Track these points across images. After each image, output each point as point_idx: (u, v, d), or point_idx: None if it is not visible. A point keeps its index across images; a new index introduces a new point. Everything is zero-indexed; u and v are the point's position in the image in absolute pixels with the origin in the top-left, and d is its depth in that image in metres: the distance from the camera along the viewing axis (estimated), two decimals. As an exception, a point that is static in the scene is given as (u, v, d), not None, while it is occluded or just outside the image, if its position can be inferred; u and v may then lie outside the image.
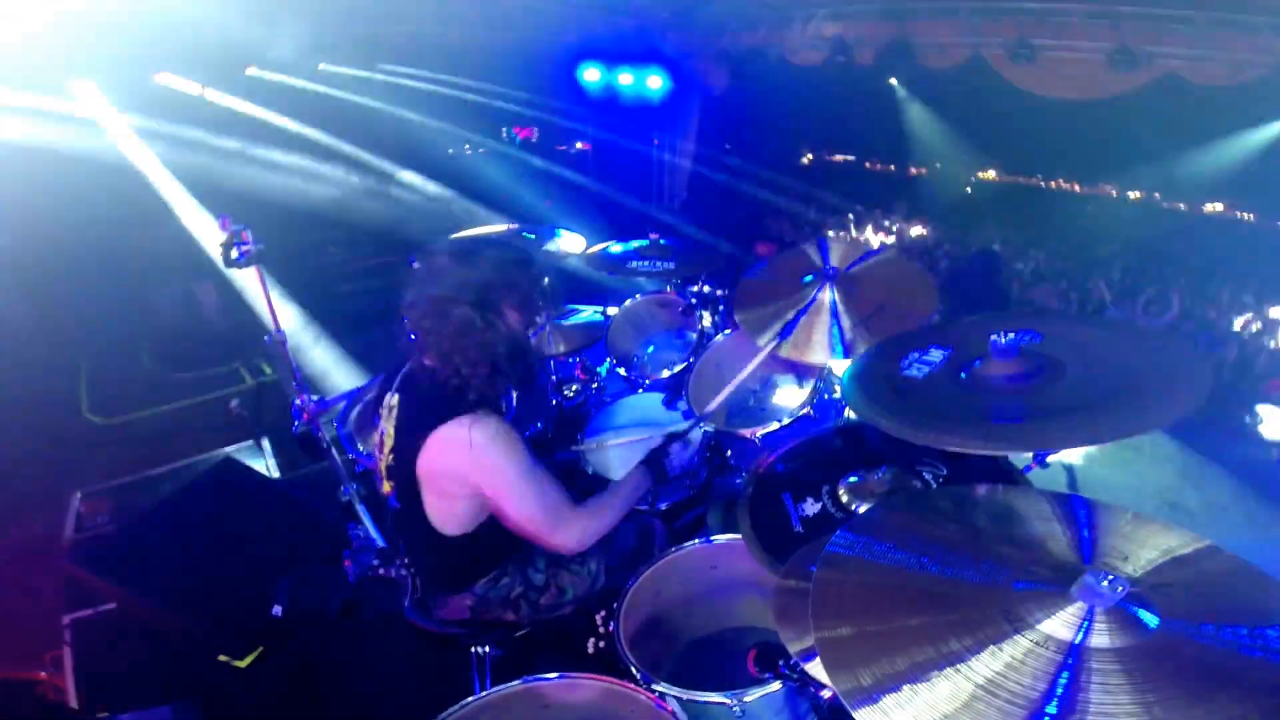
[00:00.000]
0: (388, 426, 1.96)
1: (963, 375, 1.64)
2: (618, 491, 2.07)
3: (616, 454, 2.70)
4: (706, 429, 2.57)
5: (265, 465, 4.88)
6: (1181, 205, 11.31)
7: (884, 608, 1.11)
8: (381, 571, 3.25)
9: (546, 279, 2.01)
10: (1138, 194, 11.99)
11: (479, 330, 1.78)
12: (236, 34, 6.41)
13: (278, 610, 3.17)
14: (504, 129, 11.73)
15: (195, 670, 3.06)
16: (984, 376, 1.60)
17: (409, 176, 10.18)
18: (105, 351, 7.60)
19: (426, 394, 1.85)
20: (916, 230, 11.07)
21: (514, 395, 3.20)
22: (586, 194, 11.28)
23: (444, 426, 1.77)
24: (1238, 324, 6.85)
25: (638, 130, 10.67)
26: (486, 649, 2.13)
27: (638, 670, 1.74)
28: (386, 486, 2.02)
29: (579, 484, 2.61)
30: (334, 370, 6.69)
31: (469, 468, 1.77)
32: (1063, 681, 0.93)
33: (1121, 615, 1.00)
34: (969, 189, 13.67)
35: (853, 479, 1.93)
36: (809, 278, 2.49)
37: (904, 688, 0.96)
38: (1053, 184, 13.53)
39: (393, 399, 1.97)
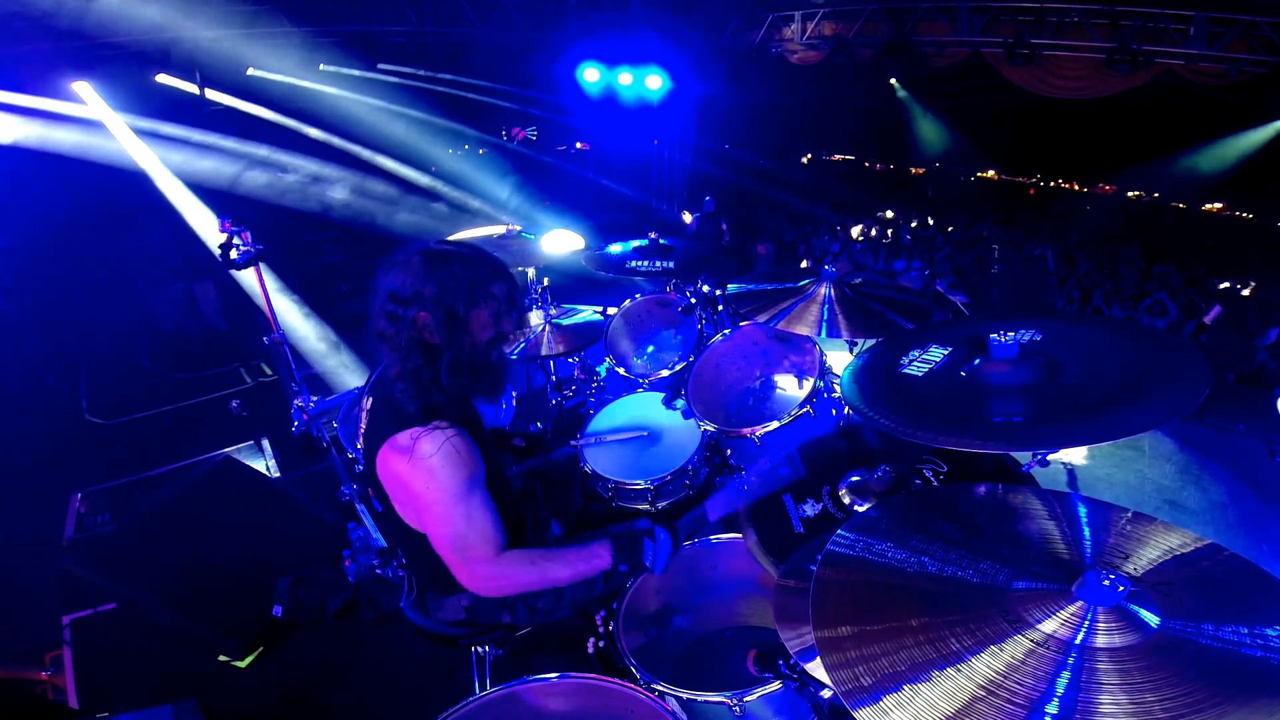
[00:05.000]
0: (363, 429, 1.94)
1: (962, 374, 1.64)
2: (564, 556, 1.83)
3: (612, 450, 2.70)
4: (707, 429, 2.57)
5: (265, 465, 4.88)
6: (1181, 205, 11.33)
7: (884, 608, 1.11)
8: (381, 571, 3.26)
9: (518, 287, 1.86)
10: (1137, 193, 12.02)
11: (435, 336, 1.71)
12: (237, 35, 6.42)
13: (278, 610, 3.17)
14: (503, 129, 11.75)
15: (195, 670, 3.06)
16: (984, 375, 1.60)
17: (409, 176, 10.18)
18: (105, 351, 7.59)
19: (389, 399, 1.79)
20: (912, 227, 11.07)
21: (513, 396, 3.20)
22: (586, 193, 11.28)
23: (399, 434, 1.70)
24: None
25: (637, 130, 10.66)
26: (486, 649, 2.13)
27: (638, 670, 1.74)
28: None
29: (579, 482, 2.61)
30: (334, 370, 6.69)
31: (408, 475, 1.71)
32: (1063, 681, 0.93)
33: (1122, 615, 0.99)
34: (967, 187, 13.70)
35: (853, 478, 1.94)
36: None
37: (904, 688, 0.96)
38: (1052, 184, 13.55)
39: (367, 401, 1.94)
